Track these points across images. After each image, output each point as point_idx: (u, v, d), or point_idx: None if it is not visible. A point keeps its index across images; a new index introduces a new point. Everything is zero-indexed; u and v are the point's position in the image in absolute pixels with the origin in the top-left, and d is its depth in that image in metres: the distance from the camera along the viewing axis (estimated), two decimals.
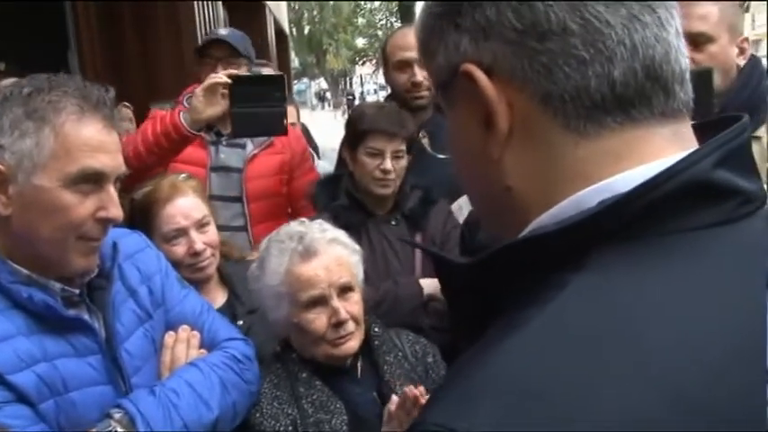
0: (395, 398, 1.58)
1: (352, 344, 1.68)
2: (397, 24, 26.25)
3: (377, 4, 27.98)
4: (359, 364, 1.74)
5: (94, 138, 1.23)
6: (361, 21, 29.80)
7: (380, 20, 29.72)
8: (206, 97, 2.25)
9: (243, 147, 2.61)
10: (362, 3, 29.33)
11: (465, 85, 0.60)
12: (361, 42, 30.07)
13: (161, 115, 2.33)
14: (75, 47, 4.40)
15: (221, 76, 2.27)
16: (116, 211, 1.27)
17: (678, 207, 0.54)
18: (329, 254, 1.69)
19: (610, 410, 0.47)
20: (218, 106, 2.26)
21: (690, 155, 0.56)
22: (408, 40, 2.61)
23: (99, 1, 4.68)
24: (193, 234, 1.88)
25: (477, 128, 0.61)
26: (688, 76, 0.60)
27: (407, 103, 2.68)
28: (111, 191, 1.27)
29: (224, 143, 2.59)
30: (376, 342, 1.77)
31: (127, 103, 4.95)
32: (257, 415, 1.56)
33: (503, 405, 0.49)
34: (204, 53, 2.71)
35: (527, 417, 0.48)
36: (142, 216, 1.89)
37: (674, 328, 0.51)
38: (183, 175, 2.00)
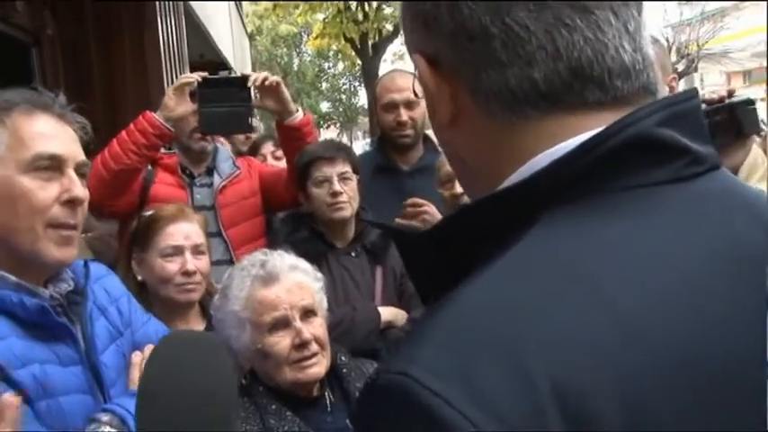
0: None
1: (318, 369, 1.67)
2: (360, 88, 26.74)
3: (340, 68, 28.51)
4: (327, 394, 1.73)
5: (46, 129, 1.31)
6: (325, 85, 30.30)
7: (344, 84, 30.24)
8: (176, 96, 2.41)
9: (210, 185, 2.69)
10: (326, 68, 29.89)
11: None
12: (325, 107, 30.46)
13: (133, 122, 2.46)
14: (40, 78, 4.45)
15: (191, 76, 2.44)
16: (78, 191, 1.30)
17: (625, 163, 0.55)
18: (290, 278, 1.73)
19: (562, 333, 0.48)
20: (188, 105, 2.44)
21: (635, 111, 0.57)
22: (396, 83, 2.78)
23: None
24: (188, 255, 1.99)
25: (429, 105, 0.66)
26: (641, 66, 0.60)
27: (394, 141, 2.82)
28: (72, 174, 1.31)
29: (197, 184, 2.68)
30: (344, 370, 1.77)
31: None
32: None
33: (447, 334, 0.50)
34: None
35: (468, 339, 0.49)
36: (145, 231, 2.02)
37: (623, 266, 0.52)
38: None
